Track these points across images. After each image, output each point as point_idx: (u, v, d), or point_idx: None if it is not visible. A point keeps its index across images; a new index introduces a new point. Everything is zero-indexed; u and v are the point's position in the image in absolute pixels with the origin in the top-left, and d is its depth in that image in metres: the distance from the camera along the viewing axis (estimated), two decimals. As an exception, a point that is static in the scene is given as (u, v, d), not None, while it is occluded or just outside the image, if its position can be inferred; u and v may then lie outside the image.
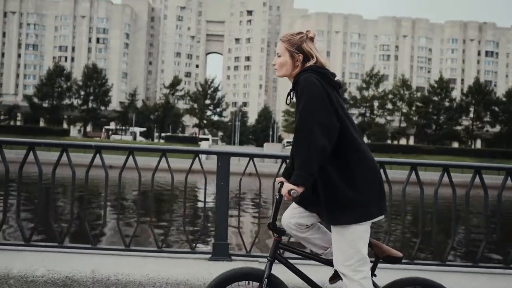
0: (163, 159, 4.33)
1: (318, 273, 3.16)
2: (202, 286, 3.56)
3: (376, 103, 78.92)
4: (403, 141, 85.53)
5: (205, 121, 79.68)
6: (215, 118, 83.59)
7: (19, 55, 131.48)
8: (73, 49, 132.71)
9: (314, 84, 2.59)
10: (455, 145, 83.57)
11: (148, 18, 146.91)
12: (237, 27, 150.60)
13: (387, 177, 4.13)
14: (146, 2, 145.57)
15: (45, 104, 75.65)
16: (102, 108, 77.92)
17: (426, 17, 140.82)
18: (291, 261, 2.89)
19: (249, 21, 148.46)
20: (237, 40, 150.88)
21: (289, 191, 2.53)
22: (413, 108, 77.55)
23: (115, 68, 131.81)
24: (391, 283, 2.86)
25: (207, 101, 79.41)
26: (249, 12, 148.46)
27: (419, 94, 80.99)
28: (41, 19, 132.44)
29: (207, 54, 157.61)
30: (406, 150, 66.12)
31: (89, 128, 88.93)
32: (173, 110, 78.65)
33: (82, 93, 76.69)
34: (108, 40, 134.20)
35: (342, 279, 2.73)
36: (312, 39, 2.79)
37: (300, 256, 2.92)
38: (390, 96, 78.61)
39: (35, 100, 75.23)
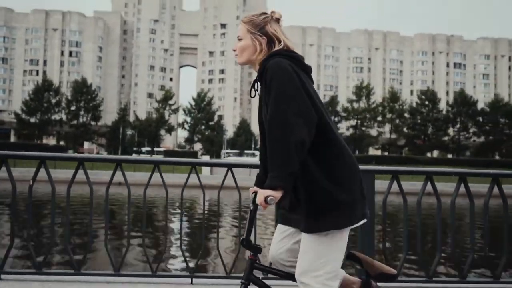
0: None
1: None
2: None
3: (367, 115, 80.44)
4: (390, 153, 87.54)
5: (199, 135, 79.06)
6: (207, 132, 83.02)
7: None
8: (44, 62, 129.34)
9: (285, 70, 2.25)
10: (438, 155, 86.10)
11: (121, 31, 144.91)
12: (211, 40, 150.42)
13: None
14: (119, 15, 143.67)
15: (33, 120, 73.47)
16: (92, 123, 76.32)
17: (396, 30, 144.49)
18: (268, 282, 2.49)
19: (223, 34, 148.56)
20: (211, 53, 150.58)
21: (265, 198, 2.15)
22: (402, 120, 79.61)
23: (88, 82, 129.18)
24: None
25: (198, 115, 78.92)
26: (223, 25, 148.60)
27: (407, 105, 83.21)
28: (11, 32, 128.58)
29: (180, 67, 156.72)
30: (403, 161, 67.59)
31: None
32: (166, 125, 77.75)
33: (72, 108, 74.93)
34: (81, 53, 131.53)
35: None
36: (278, 20, 2.47)
37: (278, 277, 2.52)
38: (380, 108, 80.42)
39: (23, 115, 72.98)
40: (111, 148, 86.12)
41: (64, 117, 75.63)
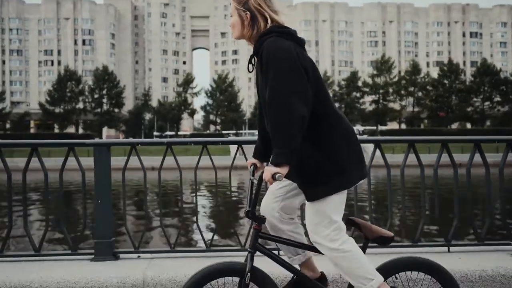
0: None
1: None
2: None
3: (390, 89, 79.87)
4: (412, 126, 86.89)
5: (223, 117, 79.02)
6: (231, 114, 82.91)
7: (3, 62, 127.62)
8: (59, 52, 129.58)
9: (282, 49, 2.31)
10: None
11: (132, 16, 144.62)
12: (222, 21, 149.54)
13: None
14: (129, 1, 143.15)
15: (57, 110, 74.03)
16: (116, 110, 76.80)
17: (410, 1, 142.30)
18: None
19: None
20: (222, 34, 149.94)
21: (273, 176, 2.24)
22: (424, 92, 78.94)
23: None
24: (387, 263, 2.60)
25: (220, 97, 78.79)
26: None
27: (429, 78, 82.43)
28: (24, 24, 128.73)
29: (193, 50, 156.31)
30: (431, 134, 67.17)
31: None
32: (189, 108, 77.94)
33: (96, 96, 75.38)
34: (94, 41, 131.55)
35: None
36: None
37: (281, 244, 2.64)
38: (403, 81, 79.78)
39: (47, 106, 73.56)
40: (131, 134, 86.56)
41: (87, 105, 76.02)
